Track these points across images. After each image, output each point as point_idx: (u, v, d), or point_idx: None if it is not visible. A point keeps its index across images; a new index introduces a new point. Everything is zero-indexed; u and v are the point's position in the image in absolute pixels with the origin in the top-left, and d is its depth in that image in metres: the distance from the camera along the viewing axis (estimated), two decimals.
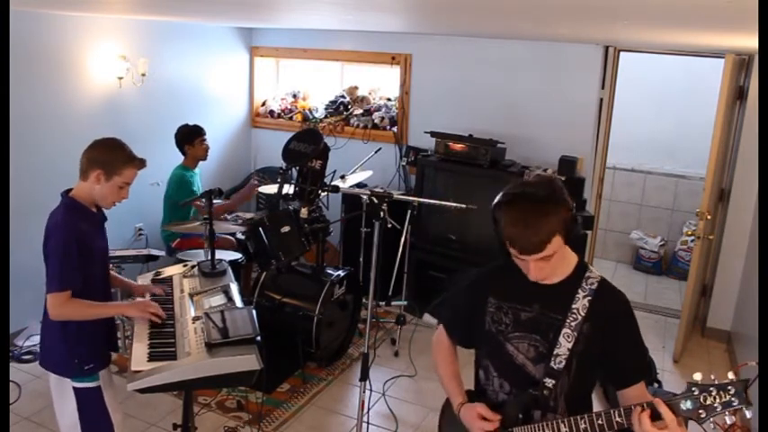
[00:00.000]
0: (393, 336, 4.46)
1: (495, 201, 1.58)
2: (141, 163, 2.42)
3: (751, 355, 3.40)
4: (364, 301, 4.31)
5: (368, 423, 3.30)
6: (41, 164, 4.01)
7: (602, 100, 4.83)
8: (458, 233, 4.66)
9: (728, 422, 1.39)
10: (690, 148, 6.03)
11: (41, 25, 4.05)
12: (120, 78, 4.56)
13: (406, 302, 4.79)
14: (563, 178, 4.59)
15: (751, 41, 2.86)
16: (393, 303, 4.63)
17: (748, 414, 1.36)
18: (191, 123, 4.52)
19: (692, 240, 4.55)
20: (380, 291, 4.28)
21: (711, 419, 1.37)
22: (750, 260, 4.39)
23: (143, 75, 4.69)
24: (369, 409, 3.37)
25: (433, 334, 2.04)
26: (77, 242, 2.29)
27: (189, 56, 5.25)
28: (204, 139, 4.48)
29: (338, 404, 3.71)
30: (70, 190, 2.38)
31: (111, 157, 2.34)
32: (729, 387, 1.37)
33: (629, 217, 6.53)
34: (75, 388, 2.40)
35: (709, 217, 4.19)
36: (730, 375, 1.40)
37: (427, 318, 4.70)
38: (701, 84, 5.70)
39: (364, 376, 2.99)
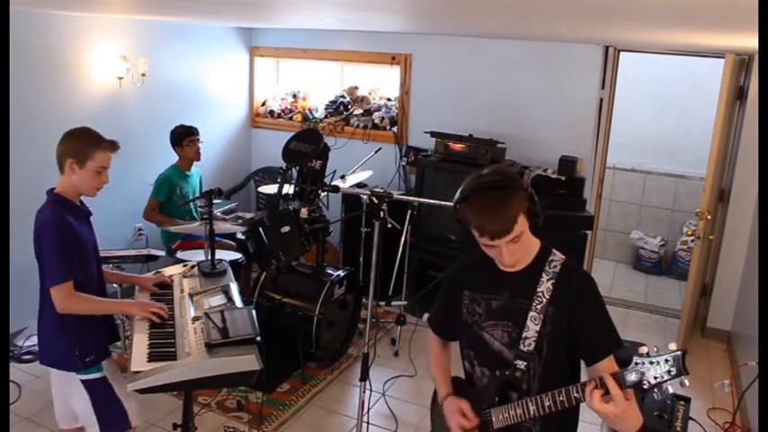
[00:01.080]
0: (393, 336, 4.47)
1: (455, 200, 1.65)
2: (112, 145, 2.39)
3: (751, 355, 3.40)
4: (364, 301, 4.31)
5: (368, 423, 3.30)
6: (41, 164, 3.99)
7: (602, 100, 4.84)
8: (458, 233, 4.65)
9: (671, 391, 1.44)
10: (690, 148, 6.03)
11: (41, 25, 4.05)
12: (120, 78, 4.56)
13: (406, 302, 4.79)
14: (563, 178, 4.61)
15: (751, 41, 2.86)
16: (393, 303, 4.63)
17: (686, 382, 1.43)
18: (188, 124, 4.49)
19: (692, 240, 4.55)
20: (380, 291, 4.28)
21: (655, 390, 1.43)
22: (750, 260, 4.39)
23: (143, 75, 4.69)
24: (369, 409, 3.37)
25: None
26: (70, 235, 2.30)
27: (189, 56, 5.25)
28: (194, 140, 4.43)
29: (338, 404, 3.71)
30: (55, 188, 2.39)
31: (79, 143, 2.35)
32: (668, 358, 1.42)
33: (629, 217, 6.53)
34: (82, 381, 2.41)
35: (709, 217, 4.19)
36: (671, 346, 1.45)
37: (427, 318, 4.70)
38: (701, 84, 5.70)
39: (364, 376, 3.00)
